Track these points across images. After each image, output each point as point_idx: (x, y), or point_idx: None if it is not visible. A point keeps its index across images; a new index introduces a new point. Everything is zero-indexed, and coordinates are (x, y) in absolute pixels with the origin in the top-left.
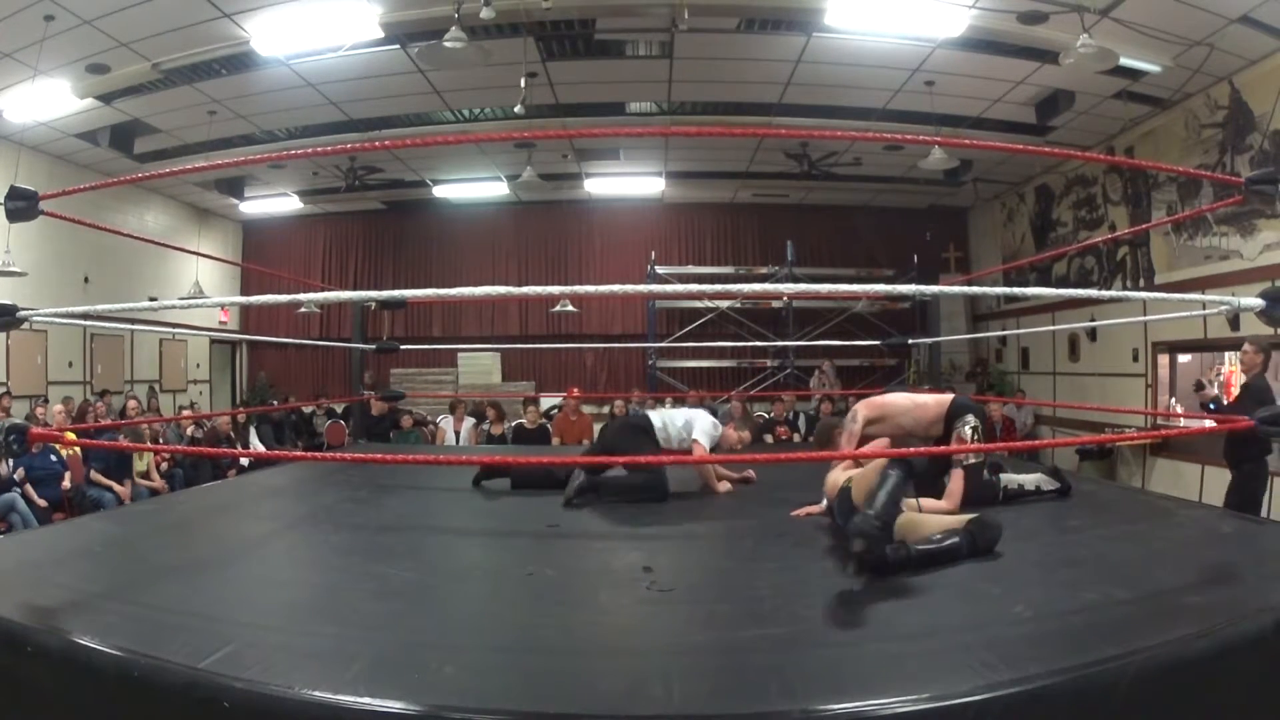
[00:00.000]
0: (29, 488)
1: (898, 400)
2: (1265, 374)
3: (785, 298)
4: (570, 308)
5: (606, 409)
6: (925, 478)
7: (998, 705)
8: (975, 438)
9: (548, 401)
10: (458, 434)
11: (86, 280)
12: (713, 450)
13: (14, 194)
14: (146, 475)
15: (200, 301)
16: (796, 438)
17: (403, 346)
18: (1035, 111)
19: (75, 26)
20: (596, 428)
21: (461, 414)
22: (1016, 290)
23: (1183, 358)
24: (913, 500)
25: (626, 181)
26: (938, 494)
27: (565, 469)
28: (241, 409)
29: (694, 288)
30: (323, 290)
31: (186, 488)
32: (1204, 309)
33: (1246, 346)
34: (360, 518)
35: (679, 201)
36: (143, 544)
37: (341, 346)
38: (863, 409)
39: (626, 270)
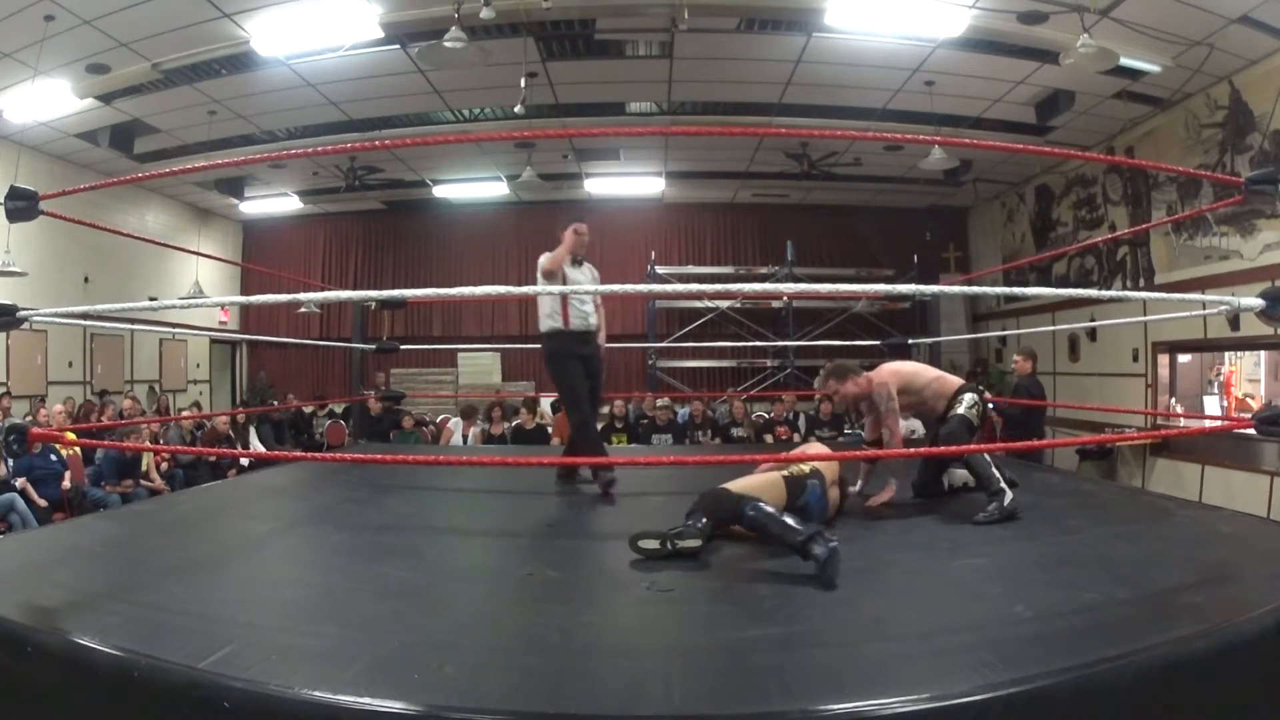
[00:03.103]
0: (29, 489)
1: (923, 372)
2: (1034, 375)
3: (785, 298)
4: None
5: (606, 409)
6: (928, 472)
7: (998, 705)
8: (975, 411)
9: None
10: (465, 437)
11: (86, 280)
12: None
13: (14, 194)
14: (146, 475)
15: (200, 301)
16: (797, 438)
17: (403, 346)
18: (1035, 111)
19: (75, 26)
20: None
21: (475, 420)
22: (1016, 290)
23: (1183, 358)
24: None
25: (626, 181)
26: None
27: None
28: (241, 409)
29: (694, 288)
30: (323, 290)
31: (186, 488)
32: (1204, 309)
33: (1016, 356)
34: (360, 518)
35: (679, 201)
36: (143, 544)
37: (341, 346)
38: (893, 381)
39: (626, 270)
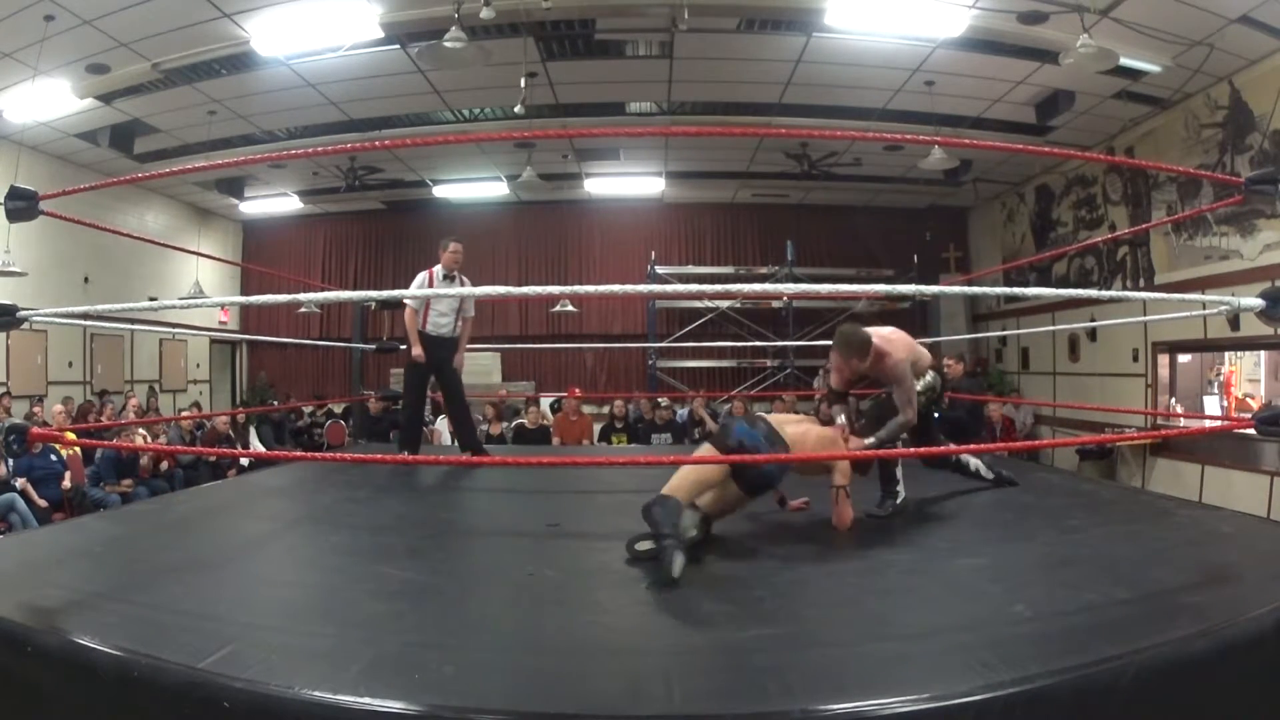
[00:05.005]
0: (29, 489)
1: (916, 347)
2: (974, 377)
3: (785, 298)
4: (570, 308)
5: (606, 409)
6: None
7: (998, 705)
8: (924, 397)
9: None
10: (454, 436)
11: (86, 280)
12: None
13: (14, 194)
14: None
15: (200, 301)
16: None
17: (402, 347)
18: (1035, 111)
19: (75, 26)
20: (597, 428)
21: None
22: (1016, 290)
23: (1183, 358)
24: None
25: (626, 181)
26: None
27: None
28: (241, 409)
29: (694, 288)
30: (323, 290)
31: (186, 488)
32: (1204, 309)
33: (948, 360)
34: (360, 518)
35: (679, 201)
36: (143, 544)
37: (341, 346)
38: (907, 358)
39: (626, 270)
